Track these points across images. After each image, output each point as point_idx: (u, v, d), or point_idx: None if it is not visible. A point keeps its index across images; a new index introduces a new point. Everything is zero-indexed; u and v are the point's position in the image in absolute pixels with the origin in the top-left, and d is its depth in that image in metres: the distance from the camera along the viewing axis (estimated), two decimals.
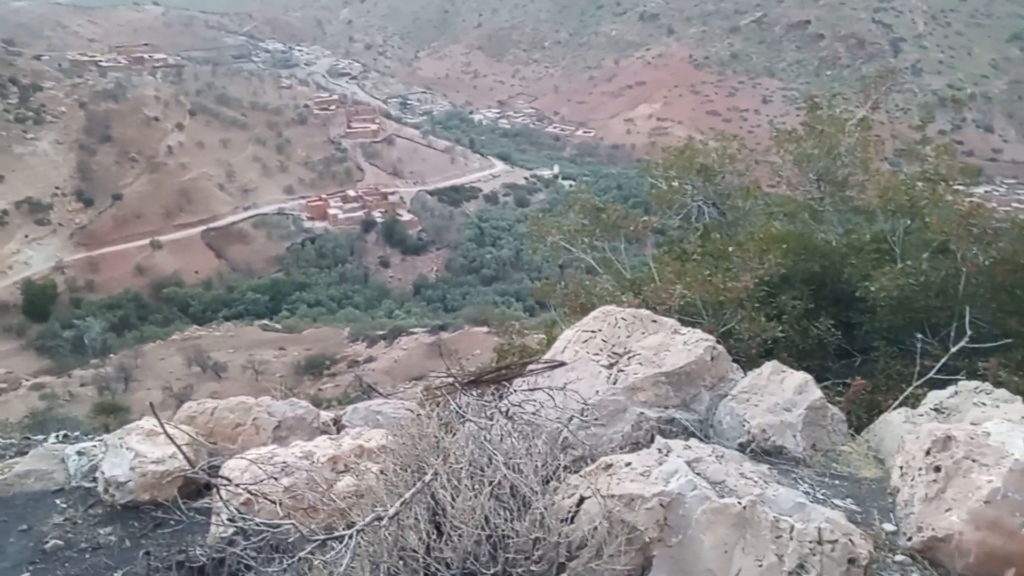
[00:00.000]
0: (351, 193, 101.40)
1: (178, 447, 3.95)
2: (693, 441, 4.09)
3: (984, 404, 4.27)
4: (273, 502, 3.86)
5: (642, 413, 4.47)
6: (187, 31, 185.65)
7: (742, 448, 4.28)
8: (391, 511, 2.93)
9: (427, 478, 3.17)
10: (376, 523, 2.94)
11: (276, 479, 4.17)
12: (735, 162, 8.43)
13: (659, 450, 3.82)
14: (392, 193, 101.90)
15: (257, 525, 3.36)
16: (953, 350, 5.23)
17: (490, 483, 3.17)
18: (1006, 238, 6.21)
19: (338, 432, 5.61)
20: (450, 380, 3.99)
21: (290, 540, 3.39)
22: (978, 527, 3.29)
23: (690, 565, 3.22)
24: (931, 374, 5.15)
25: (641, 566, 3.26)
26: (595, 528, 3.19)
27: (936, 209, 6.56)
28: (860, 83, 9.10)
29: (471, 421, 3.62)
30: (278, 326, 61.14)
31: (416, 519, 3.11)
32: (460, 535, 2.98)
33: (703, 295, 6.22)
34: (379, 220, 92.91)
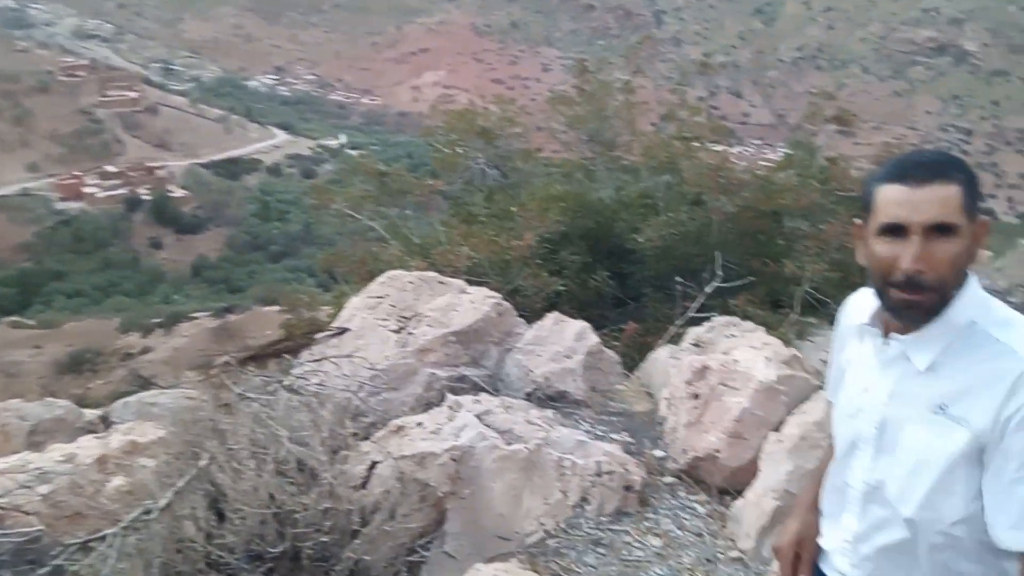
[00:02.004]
0: (111, 169, 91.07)
1: None
2: (483, 395, 4.20)
3: (734, 336, 4.77)
4: (28, 513, 3.43)
5: (433, 373, 4.50)
6: None
7: (529, 397, 4.46)
8: (160, 503, 2.70)
9: (202, 463, 2.97)
10: (145, 517, 2.70)
11: (31, 488, 3.71)
12: (515, 125, 8.67)
13: (450, 407, 3.87)
14: (160, 167, 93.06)
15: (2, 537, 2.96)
16: (707, 290, 5.81)
17: (274, 460, 3.03)
18: (749, 188, 6.97)
19: (107, 430, 5.09)
20: (226, 359, 3.75)
21: (51, 551, 3.04)
22: (731, 444, 3.69)
23: (482, 513, 3.32)
24: (689, 313, 5.67)
25: (436, 521, 3.31)
26: (388, 491, 3.17)
27: (691, 164, 7.19)
28: (627, 51, 9.72)
29: (251, 399, 3.42)
30: (31, 322, 53.98)
31: (193, 508, 2.90)
32: (243, 517, 2.83)
33: (489, 255, 6.37)
34: (146, 198, 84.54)
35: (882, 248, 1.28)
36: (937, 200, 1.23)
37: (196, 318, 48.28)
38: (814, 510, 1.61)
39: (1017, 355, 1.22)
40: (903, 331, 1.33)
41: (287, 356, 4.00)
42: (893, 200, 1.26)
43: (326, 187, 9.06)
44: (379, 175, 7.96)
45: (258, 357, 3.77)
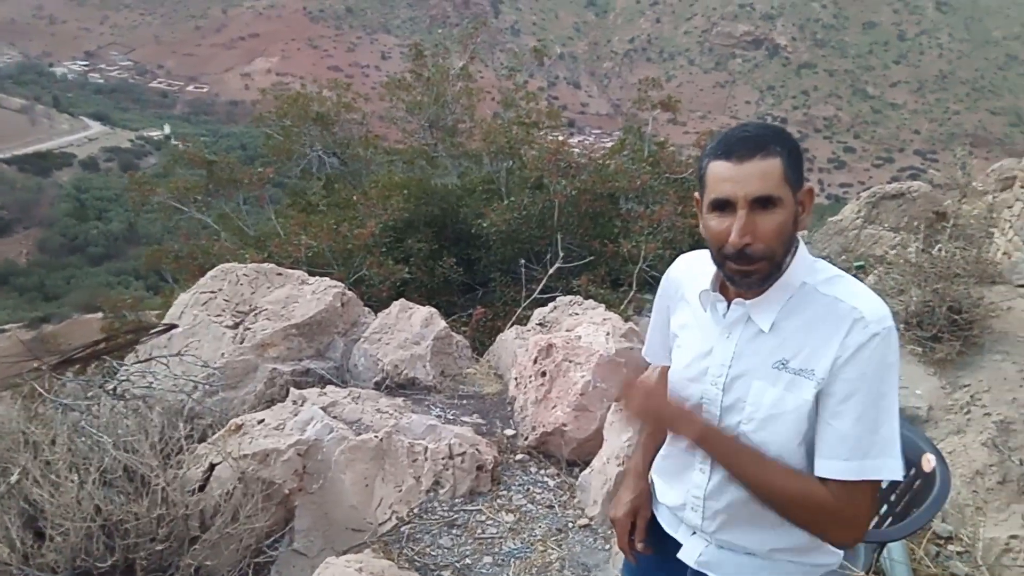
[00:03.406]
0: None
1: None
2: (330, 388, 4.07)
3: (577, 314, 4.93)
4: None
5: (275, 369, 4.32)
6: None
7: (378, 386, 4.39)
8: None
9: (12, 479, 2.67)
10: None
11: None
12: (352, 111, 8.45)
13: (294, 402, 3.73)
14: None
15: None
16: (551, 271, 5.98)
17: (98, 469, 2.78)
18: (586, 172, 7.22)
19: None
20: (36, 366, 3.39)
21: None
22: (577, 417, 3.81)
23: (333, 507, 3.23)
24: (535, 295, 5.81)
25: (284, 519, 3.18)
26: (229, 493, 3.01)
27: (531, 149, 7.34)
28: (461, 35, 9.73)
29: (68, 407, 3.12)
30: None
31: (6, 528, 2.61)
32: (65, 533, 2.58)
33: (331, 244, 6.19)
34: None
35: (714, 222, 1.35)
36: (758, 174, 1.29)
37: (5, 330, 43.41)
38: (645, 477, 1.69)
39: (845, 304, 1.32)
40: (743, 295, 1.41)
41: (109, 359, 3.68)
42: (720, 176, 1.33)
43: (146, 178, 8.38)
44: (206, 164, 7.48)
45: (75, 361, 3.43)
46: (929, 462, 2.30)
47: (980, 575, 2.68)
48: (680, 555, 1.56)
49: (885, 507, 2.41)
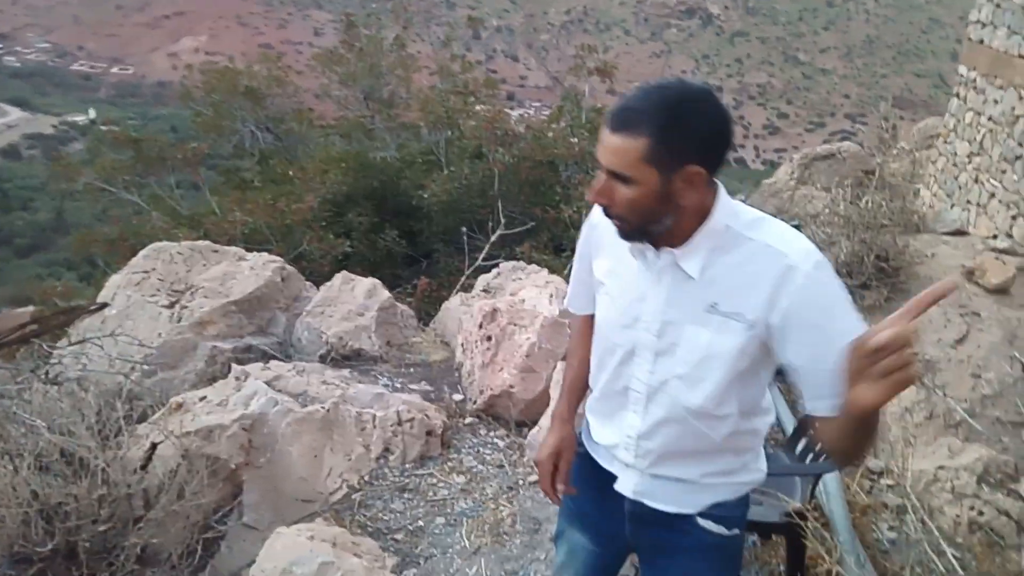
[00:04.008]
0: None
1: None
2: (273, 362, 4.02)
3: (520, 278, 4.96)
4: None
5: (215, 347, 4.23)
6: None
7: (323, 359, 4.35)
8: None
9: None
10: None
11: None
12: (283, 84, 8.24)
13: (236, 378, 3.67)
14: None
15: None
16: (493, 239, 5.98)
17: (32, 453, 2.70)
18: (524, 139, 7.21)
19: None
20: None
21: None
22: (523, 378, 3.85)
23: (281, 479, 3.20)
24: (478, 263, 5.81)
25: (232, 494, 3.14)
26: (173, 471, 2.95)
27: (468, 119, 7.29)
28: (394, 4, 9.53)
29: None
30: None
31: None
32: (0, 520, 2.51)
33: (268, 220, 6.06)
34: None
35: (598, 175, 1.39)
36: (615, 150, 1.30)
37: None
38: (569, 423, 1.73)
39: (773, 249, 1.34)
40: (670, 244, 1.41)
41: (39, 342, 3.55)
42: (599, 138, 1.36)
43: (69, 161, 8.03)
44: (133, 143, 7.21)
45: (2, 346, 3.30)
46: None
47: (910, 502, 2.82)
48: (616, 486, 1.60)
49: (819, 444, 2.51)
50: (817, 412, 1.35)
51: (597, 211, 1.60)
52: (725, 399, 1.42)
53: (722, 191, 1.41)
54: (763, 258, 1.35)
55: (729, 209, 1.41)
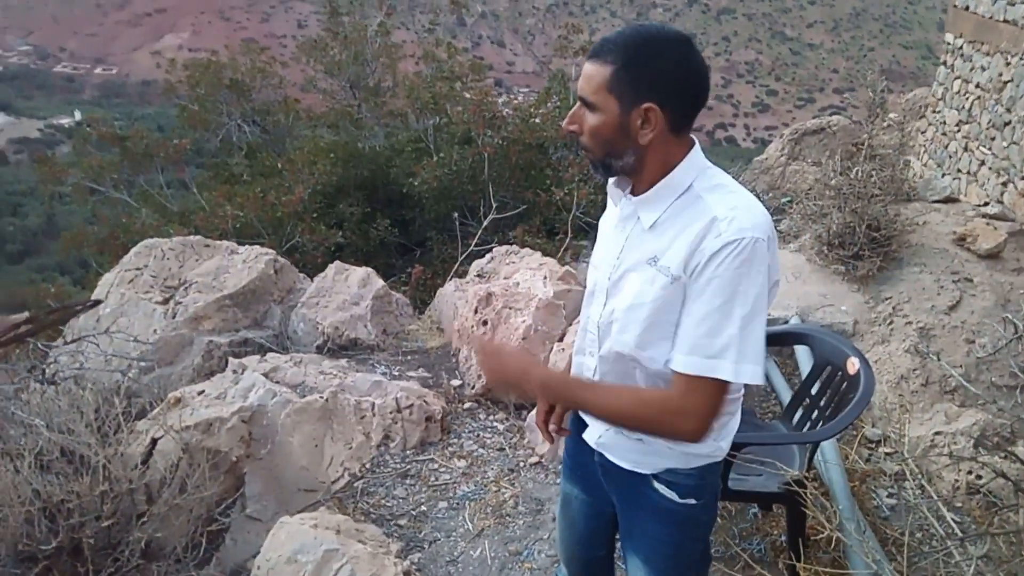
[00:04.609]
0: None
1: None
2: (270, 355, 4.02)
3: (514, 262, 4.95)
4: None
5: (211, 341, 4.23)
6: None
7: (319, 350, 4.35)
8: None
9: None
10: None
11: None
12: (268, 76, 8.18)
13: (234, 371, 3.67)
14: None
15: None
16: (485, 224, 5.96)
17: (32, 452, 2.70)
18: (513, 123, 7.18)
19: None
20: None
21: None
22: None
23: (283, 469, 3.21)
24: (471, 249, 5.80)
25: (234, 486, 3.15)
26: (174, 465, 2.96)
27: (456, 103, 7.25)
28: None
29: None
30: None
31: None
32: (3, 520, 2.51)
33: (259, 213, 6.03)
34: None
35: None
36: (586, 76, 1.38)
37: None
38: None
39: (712, 214, 1.36)
40: (634, 192, 1.47)
41: (34, 342, 3.54)
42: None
43: (56, 161, 7.97)
44: (119, 140, 7.16)
45: None
46: (853, 365, 2.42)
47: (908, 468, 2.84)
48: (584, 435, 1.65)
49: (816, 411, 2.53)
50: (672, 365, 1.40)
51: None
52: (651, 348, 1.44)
53: (696, 151, 1.44)
54: (701, 220, 1.37)
55: (697, 168, 1.43)
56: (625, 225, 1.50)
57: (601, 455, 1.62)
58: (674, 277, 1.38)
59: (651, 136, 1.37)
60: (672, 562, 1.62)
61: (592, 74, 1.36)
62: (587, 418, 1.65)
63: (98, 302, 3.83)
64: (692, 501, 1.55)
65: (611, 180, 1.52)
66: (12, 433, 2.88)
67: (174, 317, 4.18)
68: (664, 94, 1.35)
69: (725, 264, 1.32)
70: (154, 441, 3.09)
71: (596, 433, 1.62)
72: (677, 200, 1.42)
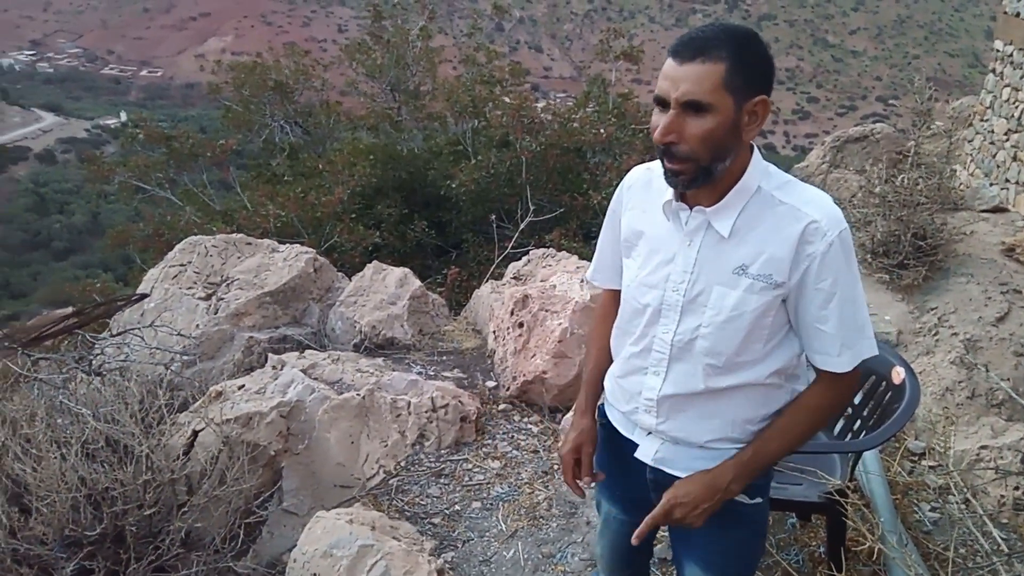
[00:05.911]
0: None
1: None
2: (308, 351, 4.07)
3: (550, 265, 4.95)
4: None
5: (251, 337, 4.29)
6: None
7: (357, 348, 4.39)
8: None
9: None
10: None
11: None
12: (311, 78, 8.30)
13: (273, 367, 3.72)
14: None
15: None
16: (522, 227, 5.97)
17: (79, 440, 2.77)
18: (551, 127, 7.18)
19: None
20: (6, 343, 3.34)
21: None
22: (556, 364, 3.85)
23: (320, 465, 3.24)
24: (508, 251, 5.81)
25: (272, 480, 3.19)
26: (214, 457, 3.01)
27: (495, 107, 7.29)
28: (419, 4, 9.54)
29: (43, 381, 3.09)
30: None
31: None
32: (51, 505, 2.57)
33: (299, 213, 6.12)
34: None
35: (654, 118, 1.38)
36: (692, 78, 1.29)
37: None
38: (588, 415, 1.74)
39: (799, 211, 1.37)
40: (703, 203, 1.42)
41: (82, 333, 3.63)
42: (663, 73, 1.35)
43: (102, 160, 8.17)
44: (165, 139, 7.32)
45: (47, 338, 3.39)
46: (899, 374, 2.37)
47: (952, 482, 2.78)
48: (637, 454, 1.61)
49: (859, 421, 2.48)
50: (824, 367, 1.46)
51: (632, 175, 1.63)
52: (745, 354, 1.44)
53: (756, 152, 1.43)
54: (792, 221, 1.37)
55: (761, 169, 1.43)
56: (693, 238, 1.45)
57: (655, 470, 1.59)
58: (777, 284, 1.39)
59: (755, 131, 1.36)
60: (736, 563, 1.62)
61: (703, 75, 1.29)
62: (637, 437, 1.62)
63: (144, 296, 3.91)
64: (759, 500, 1.56)
65: (669, 195, 1.46)
66: (60, 422, 2.95)
67: (216, 313, 4.25)
68: (769, 86, 1.36)
69: (838, 261, 1.37)
70: (195, 433, 3.14)
71: (652, 449, 1.58)
72: (748, 203, 1.40)
